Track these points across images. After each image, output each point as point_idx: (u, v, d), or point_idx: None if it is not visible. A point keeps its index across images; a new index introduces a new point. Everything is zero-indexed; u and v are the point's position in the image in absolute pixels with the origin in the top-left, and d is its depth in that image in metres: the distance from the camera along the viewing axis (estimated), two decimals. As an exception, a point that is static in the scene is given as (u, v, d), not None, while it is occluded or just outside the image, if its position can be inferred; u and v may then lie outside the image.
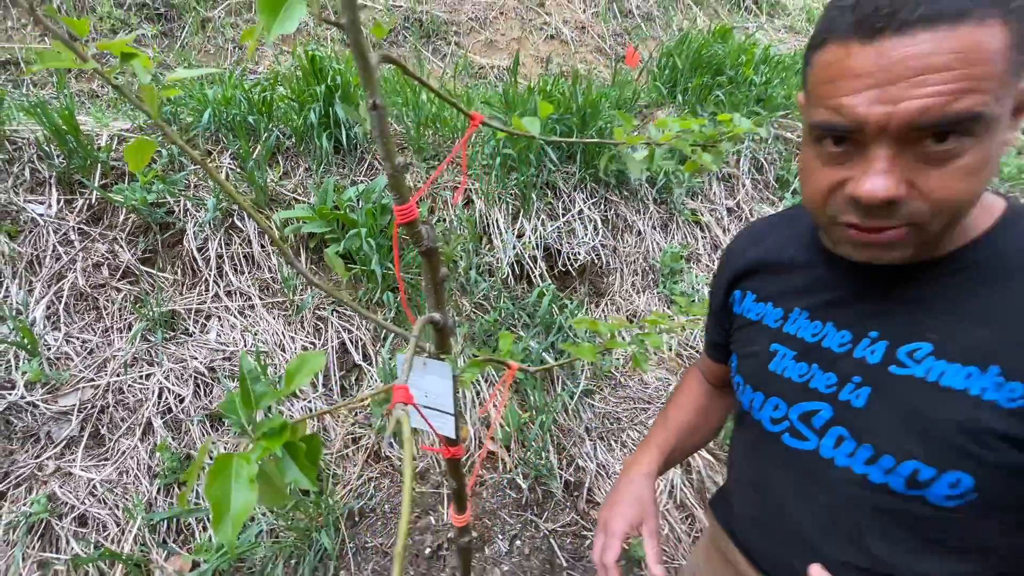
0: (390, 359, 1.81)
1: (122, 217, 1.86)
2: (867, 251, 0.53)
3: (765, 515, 0.71)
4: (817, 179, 0.53)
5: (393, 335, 1.88)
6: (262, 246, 1.94)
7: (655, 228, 2.31)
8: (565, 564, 1.51)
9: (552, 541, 1.55)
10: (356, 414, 1.75)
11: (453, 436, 0.84)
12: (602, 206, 2.25)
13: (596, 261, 2.21)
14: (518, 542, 1.52)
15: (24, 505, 1.42)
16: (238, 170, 1.98)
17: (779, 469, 0.67)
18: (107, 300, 1.77)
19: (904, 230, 0.50)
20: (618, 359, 2.07)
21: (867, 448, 0.57)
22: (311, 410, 1.74)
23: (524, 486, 1.67)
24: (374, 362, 1.86)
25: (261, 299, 1.89)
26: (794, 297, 0.67)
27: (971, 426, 0.50)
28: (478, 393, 1.86)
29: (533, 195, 2.10)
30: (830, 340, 0.62)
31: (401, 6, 3.93)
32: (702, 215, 2.48)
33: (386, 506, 1.59)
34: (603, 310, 2.16)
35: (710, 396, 0.92)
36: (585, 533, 1.61)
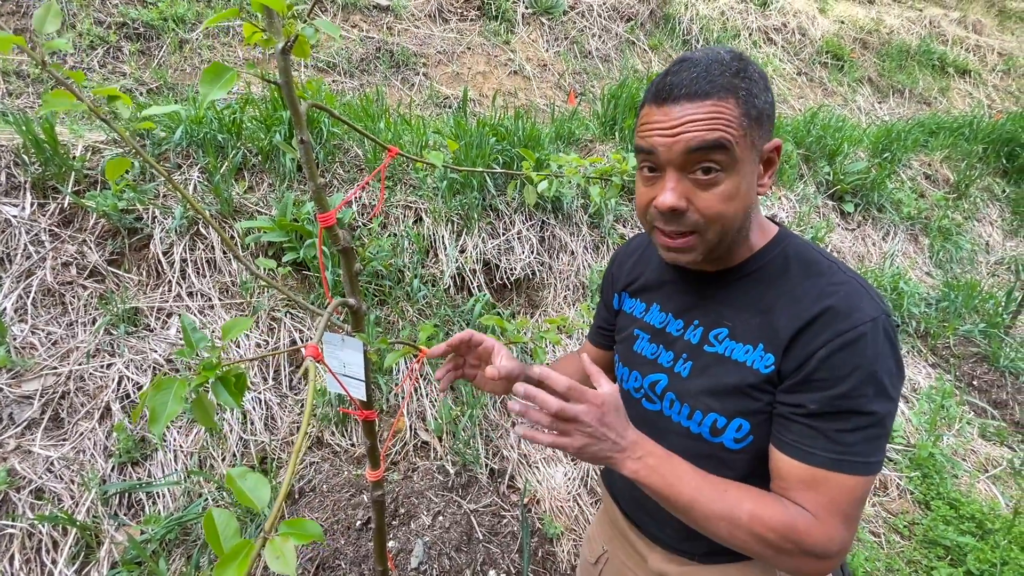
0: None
1: (92, 221, 2.03)
2: (669, 253, 0.76)
3: None
4: (640, 197, 0.76)
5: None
6: (224, 252, 2.12)
7: (587, 249, 2.59)
8: (482, 538, 1.70)
9: (472, 519, 1.75)
10: (302, 405, 1.93)
11: (365, 399, 1.05)
12: (539, 228, 2.51)
13: (532, 276, 2.46)
14: (440, 518, 1.71)
15: (-16, 478, 1.54)
16: (206, 183, 2.17)
17: (640, 427, 0.89)
18: (73, 296, 1.92)
19: (691, 238, 0.72)
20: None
21: (687, 407, 0.80)
22: (262, 400, 1.92)
23: (452, 471, 1.87)
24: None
25: (220, 300, 2.06)
26: (651, 294, 0.91)
27: (744, 384, 0.74)
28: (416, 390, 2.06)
29: (476, 215, 2.35)
30: (670, 327, 0.85)
31: (373, 37, 4.20)
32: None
33: (324, 486, 1.76)
34: (537, 320, 2.40)
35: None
36: (503, 513, 1.81)
